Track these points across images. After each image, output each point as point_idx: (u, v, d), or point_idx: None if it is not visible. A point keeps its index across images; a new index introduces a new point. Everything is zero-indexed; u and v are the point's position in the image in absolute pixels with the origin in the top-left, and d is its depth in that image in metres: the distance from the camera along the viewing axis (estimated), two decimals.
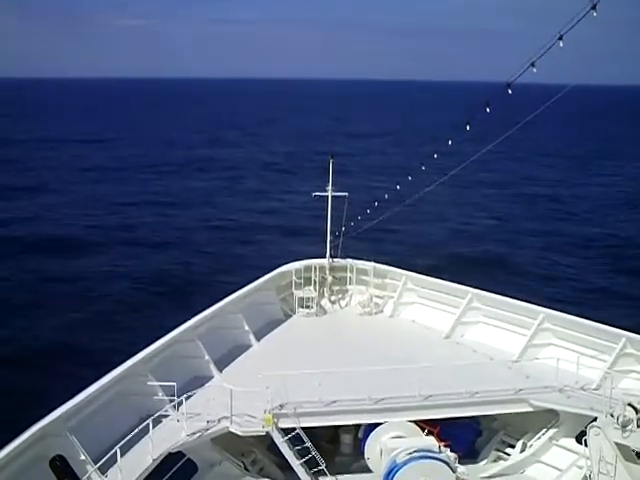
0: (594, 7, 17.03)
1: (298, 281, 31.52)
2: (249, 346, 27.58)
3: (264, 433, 21.16)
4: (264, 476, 22.66)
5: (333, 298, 32.78)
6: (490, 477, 23.27)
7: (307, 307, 31.19)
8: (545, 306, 27.46)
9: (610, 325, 25.32)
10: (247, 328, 27.83)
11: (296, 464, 21.35)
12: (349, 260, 32.92)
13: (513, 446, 24.15)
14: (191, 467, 21.94)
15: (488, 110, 22.77)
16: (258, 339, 28.03)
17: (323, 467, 21.46)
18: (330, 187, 32.00)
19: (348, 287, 32.85)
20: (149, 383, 21.75)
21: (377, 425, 22.26)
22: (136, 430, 19.28)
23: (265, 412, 20.90)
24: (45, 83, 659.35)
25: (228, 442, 21.97)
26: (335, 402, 21.99)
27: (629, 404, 19.95)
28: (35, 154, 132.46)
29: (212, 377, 24.55)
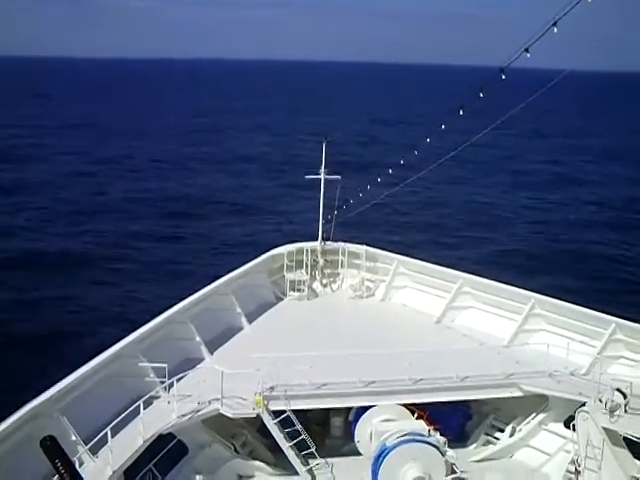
0: None
1: (290, 264, 31.55)
2: (240, 328, 27.64)
3: (254, 415, 21.24)
4: (254, 458, 22.75)
5: (325, 281, 32.81)
6: (479, 461, 23.44)
7: (298, 290, 31.21)
8: (536, 291, 27.57)
9: (600, 311, 25.47)
10: (239, 310, 27.88)
11: (286, 446, 21.46)
12: (341, 243, 32.92)
13: (502, 430, 24.30)
14: (181, 448, 21.92)
15: (482, 95, 22.73)
16: (250, 321, 28.08)
17: (313, 450, 21.60)
18: (323, 169, 31.91)
19: (340, 270, 32.87)
20: (140, 364, 21.80)
21: (367, 408, 22.37)
22: (127, 411, 19.37)
23: (256, 394, 20.97)
24: (49, 62, 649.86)
25: (218, 424, 22.06)
26: (326, 385, 22.06)
27: (617, 389, 20.06)
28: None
29: (203, 359, 24.61)
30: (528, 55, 18.95)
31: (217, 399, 20.83)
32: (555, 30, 17.91)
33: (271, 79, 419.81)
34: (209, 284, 27.63)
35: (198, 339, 24.97)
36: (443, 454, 20.20)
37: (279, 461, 22.42)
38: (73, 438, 18.82)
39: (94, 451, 18.45)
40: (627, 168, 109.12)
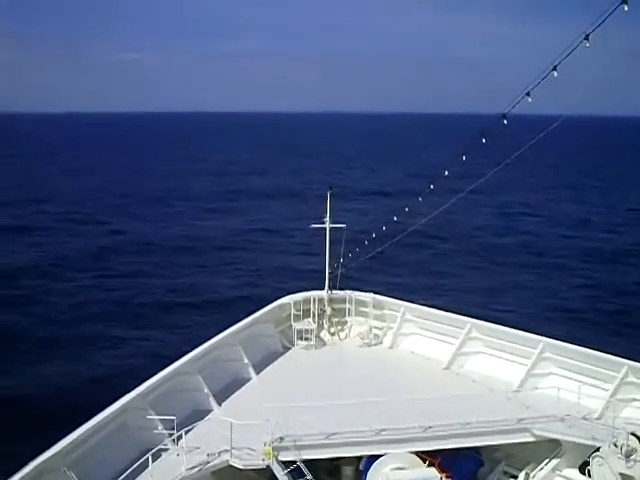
0: (587, 37, 17.29)
1: (297, 313, 31.50)
2: (248, 379, 27.49)
3: (264, 466, 20.97)
4: None
5: (332, 330, 32.71)
6: None
7: (306, 339, 31.10)
8: (545, 335, 27.42)
9: (611, 354, 25.27)
10: (246, 361, 27.76)
11: None
12: (348, 292, 32.90)
13: (515, 477, 23.91)
14: None
15: (484, 141, 22.95)
16: (257, 372, 27.94)
17: None
18: (328, 219, 32.11)
19: (347, 319, 32.80)
20: (148, 417, 21.64)
21: (378, 457, 22.07)
22: (135, 465, 19.18)
23: (265, 445, 20.75)
24: (41, 117, 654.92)
25: (228, 476, 21.75)
26: (336, 434, 21.82)
27: (632, 433, 19.83)
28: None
29: (212, 410, 24.42)
30: (529, 100, 19.19)
31: (226, 450, 20.62)
32: (555, 74, 18.19)
33: (256, 131, 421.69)
34: (216, 335, 27.58)
35: (206, 390, 24.82)
36: None
37: None
38: None
39: None
40: None
